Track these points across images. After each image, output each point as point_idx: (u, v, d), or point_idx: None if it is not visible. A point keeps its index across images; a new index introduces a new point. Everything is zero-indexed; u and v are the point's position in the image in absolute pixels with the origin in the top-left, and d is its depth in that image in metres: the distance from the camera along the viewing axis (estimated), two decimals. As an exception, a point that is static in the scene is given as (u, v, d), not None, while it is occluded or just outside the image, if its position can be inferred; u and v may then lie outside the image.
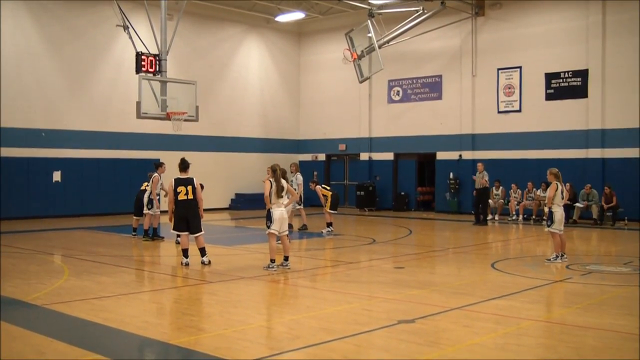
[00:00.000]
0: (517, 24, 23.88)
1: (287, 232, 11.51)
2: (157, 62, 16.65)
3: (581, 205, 20.80)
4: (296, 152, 30.05)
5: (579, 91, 22.33)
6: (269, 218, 11.25)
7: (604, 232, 18.94)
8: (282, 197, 11.17)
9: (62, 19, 22.59)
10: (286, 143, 29.81)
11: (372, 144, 27.96)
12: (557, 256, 12.41)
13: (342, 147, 28.99)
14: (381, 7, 24.27)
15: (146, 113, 16.26)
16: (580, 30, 22.37)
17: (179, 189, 11.61)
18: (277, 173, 11.17)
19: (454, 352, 6.42)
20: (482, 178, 20.63)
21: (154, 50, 16.97)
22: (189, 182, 11.71)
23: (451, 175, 25.29)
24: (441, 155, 25.87)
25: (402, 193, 27.00)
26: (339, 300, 8.98)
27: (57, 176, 22.28)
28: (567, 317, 8.06)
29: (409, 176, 27.20)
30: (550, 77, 22.97)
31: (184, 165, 11.83)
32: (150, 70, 16.44)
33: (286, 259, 11.50)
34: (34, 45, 21.93)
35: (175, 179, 11.80)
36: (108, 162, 23.47)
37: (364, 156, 28.23)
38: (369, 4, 24.18)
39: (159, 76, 16.62)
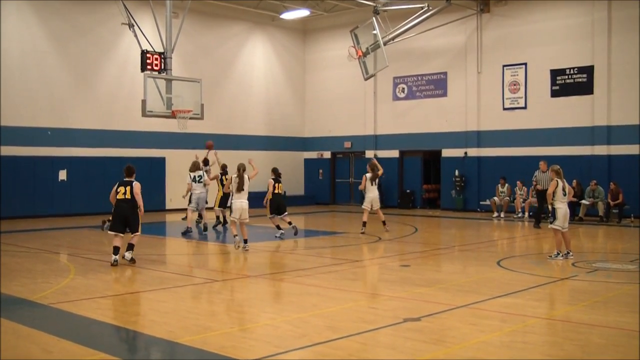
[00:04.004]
0: (522, 20, 23.79)
1: (247, 220, 13.66)
2: (163, 60, 16.67)
3: (587, 203, 20.74)
4: (302, 149, 30.05)
5: (585, 88, 22.24)
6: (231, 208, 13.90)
7: (610, 229, 18.88)
8: (242, 190, 13.55)
9: (67, 17, 22.61)
10: (291, 141, 29.78)
11: (378, 141, 27.93)
12: (558, 253, 12.37)
13: (347, 144, 28.97)
14: (386, 4, 24.20)
15: (152, 111, 16.31)
16: (586, 27, 22.27)
17: (119, 189, 12.03)
18: (240, 171, 13.63)
19: (460, 350, 6.41)
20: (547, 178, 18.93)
21: (159, 48, 17.00)
22: (129, 183, 12.11)
23: (457, 172, 25.23)
24: (446, 153, 25.83)
25: (408, 191, 26.97)
26: (344, 299, 8.99)
27: (62, 175, 22.32)
28: (573, 315, 8.05)
29: (414, 174, 27.16)
30: (555, 73, 22.89)
31: (129, 171, 12.33)
32: (156, 68, 16.49)
33: (245, 241, 13.67)
34: (39, 43, 21.96)
35: (119, 181, 12.29)
36: (114, 161, 23.44)
37: (369, 154, 28.16)
38: (374, 1, 24.13)
39: (164, 74, 16.66)
